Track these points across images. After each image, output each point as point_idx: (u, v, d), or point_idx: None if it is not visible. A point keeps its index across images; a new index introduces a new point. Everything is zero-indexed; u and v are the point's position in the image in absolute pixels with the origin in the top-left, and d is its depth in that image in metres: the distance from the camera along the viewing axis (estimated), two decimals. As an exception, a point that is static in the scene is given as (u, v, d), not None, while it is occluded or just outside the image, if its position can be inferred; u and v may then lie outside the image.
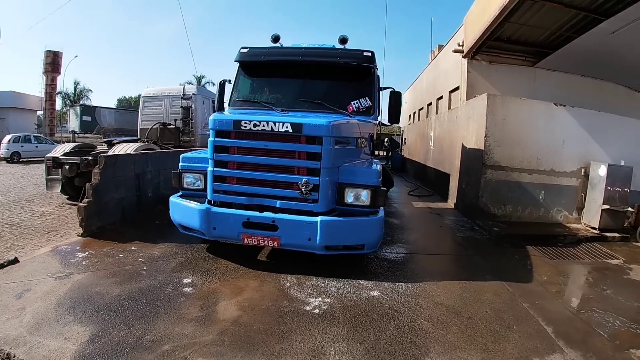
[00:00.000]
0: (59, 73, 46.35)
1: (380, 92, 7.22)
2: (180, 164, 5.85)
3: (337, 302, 4.49)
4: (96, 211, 6.84)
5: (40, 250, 6.05)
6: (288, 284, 4.90)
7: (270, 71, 6.94)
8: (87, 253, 5.80)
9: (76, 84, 47.70)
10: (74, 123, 41.81)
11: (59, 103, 46.60)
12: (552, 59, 11.79)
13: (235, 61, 6.92)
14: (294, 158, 5.01)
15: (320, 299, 4.53)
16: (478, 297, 4.93)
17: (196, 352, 3.41)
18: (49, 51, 45.90)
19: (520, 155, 8.74)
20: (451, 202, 11.41)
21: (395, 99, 6.90)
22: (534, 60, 12.54)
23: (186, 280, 4.91)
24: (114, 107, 37.21)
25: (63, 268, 5.26)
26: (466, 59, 12.45)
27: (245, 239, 5.04)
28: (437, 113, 15.80)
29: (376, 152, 27.26)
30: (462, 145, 10.41)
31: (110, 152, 9.28)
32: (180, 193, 5.85)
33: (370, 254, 6.10)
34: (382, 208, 5.36)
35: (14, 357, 3.26)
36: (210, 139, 5.21)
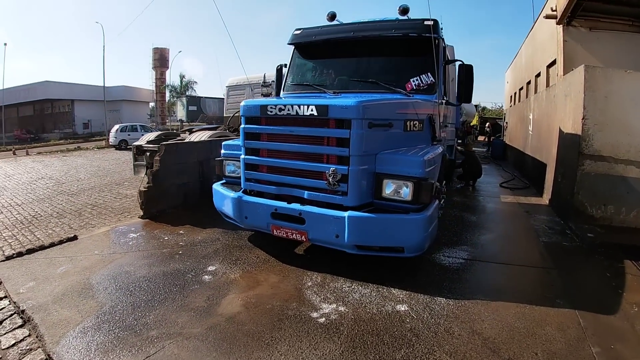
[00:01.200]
0: (167, 67, 50.98)
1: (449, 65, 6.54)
2: (222, 151, 5.86)
3: (352, 312, 4.01)
4: (156, 195, 7.31)
5: (101, 229, 6.75)
6: (310, 284, 4.63)
7: (324, 52, 6.62)
8: (137, 234, 6.32)
9: (182, 77, 51.37)
10: (181, 112, 45.66)
11: (167, 95, 51.14)
12: None
13: (288, 44, 6.76)
14: (322, 144, 4.57)
15: (334, 305, 4.13)
16: (534, 329, 3.90)
17: (175, 343, 3.45)
18: (157, 48, 50.54)
19: (627, 143, 7.08)
20: (546, 198, 9.82)
21: (466, 73, 6.02)
22: None
23: (210, 268, 5.00)
24: (218, 97, 39.76)
25: (111, 247, 5.86)
26: (561, 25, 10.52)
27: (275, 231, 4.86)
28: (535, 92, 13.72)
29: (479, 138, 25.37)
30: (559, 129, 8.82)
31: (187, 139, 9.83)
32: (223, 180, 5.89)
33: (422, 256, 5.33)
34: (435, 204, 4.73)
35: (32, 320, 3.85)
36: (242, 125, 5.08)
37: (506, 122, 22.71)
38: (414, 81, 5.68)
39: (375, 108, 4.66)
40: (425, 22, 5.79)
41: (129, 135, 27.45)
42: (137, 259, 5.32)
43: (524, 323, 4.00)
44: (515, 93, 20.29)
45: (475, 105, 37.18)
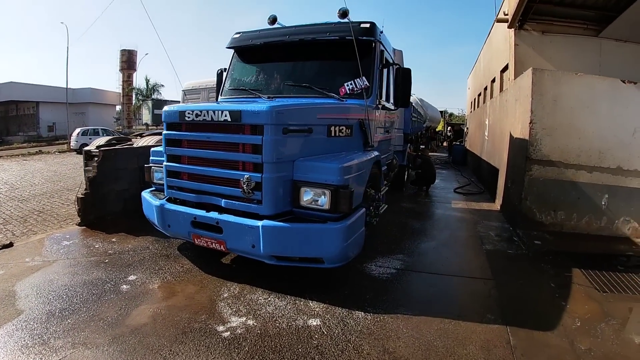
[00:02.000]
0: (135, 70, 49.78)
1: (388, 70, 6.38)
2: (150, 157, 5.69)
3: (260, 327, 3.78)
4: (94, 202, 7.13)
5: (37, 236, 6.62)
6: (226, 295, 4.42)
7: (262, 56, 6.51)
8: (70, 242, 6.16)
9: (147, 80, 50.33)
10: (146, 116, 44.64)
11: (134, 98, 50.23)
12: (620, 25, 9.34)
13: (227, 48, 6.64)
14: (236, 151, 4.40)
15: (243, 319, 3.90)
16: (455, 348, 3.49)
17: (77, 353, 3.35)
18: (124, 50, 49.35)
19: (576, 148, 6.81)
20: (498, 204, 9.54)
21: (403, 77, 5.96)
22: (598, 28, 10.11)
23: (131, 278, 4.85)
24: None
25: (42, 254, 5.69)
26: (512, 29, 10.28)
27: (196, 240, 4.68)
28: (491, 98, 13.53)
29: (444, 143, 25.31)
30: (510, 134, 8.54)
31: (135, 144, 9.56)
32: (152, 188, 5.72)
33: (351, 266, 5.11)
34: (360, 212, 4.57)
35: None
36: (163, 132, 4.97)
37: (467, 128, 22.69)
38: (347, 85, 5.49)
39: (290, 113, 4.49)
40: (362, 25, 5.70)
41: (90, 139, 26.36)
42: (63, 267, 5.20)
43: (445, 341, 3.59)
44: (475, 99, 20.22)
45: (441, 112, 37.44)
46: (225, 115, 4.25)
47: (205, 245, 4.61)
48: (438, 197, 10.72)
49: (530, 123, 6.83)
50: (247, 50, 6.53)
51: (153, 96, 49.03)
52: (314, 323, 3.84)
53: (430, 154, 25.44)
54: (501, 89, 11.50)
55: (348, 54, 5.54)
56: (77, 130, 28.94)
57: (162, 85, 52.87)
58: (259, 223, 4.15)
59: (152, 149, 5.76)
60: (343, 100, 5.35)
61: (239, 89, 6.21)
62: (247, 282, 4.69)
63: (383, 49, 6.17)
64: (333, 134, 4.97)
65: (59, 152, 28.48)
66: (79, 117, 45.78)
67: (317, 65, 6.12)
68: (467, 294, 4.75)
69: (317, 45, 5.92)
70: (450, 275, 5.29)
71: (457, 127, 31.18)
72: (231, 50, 6.77)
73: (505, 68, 11.17)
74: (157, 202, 5.03)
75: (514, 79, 9.29)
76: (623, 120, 6.67)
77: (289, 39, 6.01)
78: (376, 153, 5.71)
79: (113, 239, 6.24)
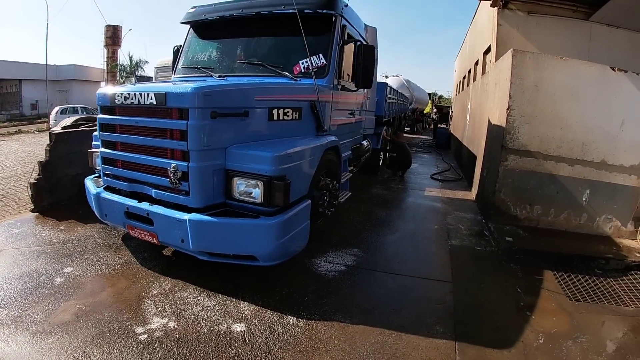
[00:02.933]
0: (119, 46, 48.57)
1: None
2: (92, 142, 5.29)
3: (181, 330, 3.44)
4: (47, 188, 6.81)
5: None
6: (156, 292, 4.06)
7: (217, 31, 6.05)
8: (20, 230, 5.77)
9: (130, 56, 49.11)
10: None
11: (118, 75, 49.39)
12: (612, 8, 8.66)
13: (181, 23, 6.17)
14: (164, 137, 3.93)
15: (165, 320, 3.56)
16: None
17: None
18: (109, 25, 47.95)
19: (558, 139, 6.26)
20: (474, 193, 9.00)
21: (365, 55, 5.45)
22: (588, 11, 9.39)
23: (67, 270, 4.51)
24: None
25: None
26: (496, 7, 9.54)
27: (131, 231, 4.38)
28: (474, 81, 12.86)
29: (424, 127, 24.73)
30: (489, 120, 7.95)
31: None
32: (96, 174, 5.30)
33: (297, 261, 4.78)
34: (301, 206, 4.22)
35: None
36: (98, 116, 4.63)
37: (452, 111, 22.10)
38: (302, 63, 5.05)
39: (220, 95, 4.00)
40: None
41: (69, 117, 25.33)
42: (6, 257, 4.86)
43: (378, 358, 3.09)
44: (460, 82, 19.50)
45: (430, 93, 36.79)
46: (151, 98, 3.84)
47: (139, 237, 4.28)
48: (412, 184, 10.17)
49: (508, 109, 6.25)
50: (202, 25, 6.05)
51: (137, 73, 47.82)
52: (238, 329, 3.46)
53: (415, 136, 25.15)
54: (483, 72, 10.81)
55: (306, 28, 5.10)
56: (56, 108, 28.00)
57: (147, 62, 51.42)
58: (186, 216, 3.78)
59: (95, 133, 5.29)
60: (296, 80, 4.89)
61: (192, 67, 5.76)
62: (181, 278, 4.33)
63: (346, 23, 5.62)
64: (276, 118, 4.51)
65: (38, 131, 27.19)
66: (62, 94, 44.40)
67: (274, 41, 5.69)
68: (418, 300, 4.20)
69: (274, 19, 5.42)
70: (404, 275, 4.74)
71: (445, 110, 30.54)
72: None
73: (488, 50, 10.42)
74: (94, 191, 4.68)
75: (495, 61, 8.61)
76: (610, 111, 6.09)
77: (244, 12, 5.52)
78: (332, 138, 5.25)
79: (62, 227, 5.88)
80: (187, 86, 3.80)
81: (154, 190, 4.12)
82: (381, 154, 10.98)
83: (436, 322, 3.71)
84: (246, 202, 3.88)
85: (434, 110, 30.37)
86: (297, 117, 4.78)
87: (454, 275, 4.79)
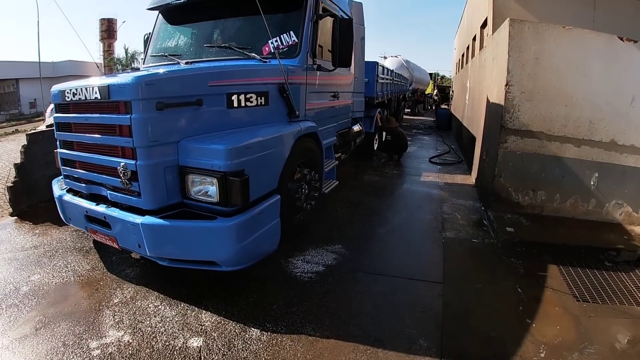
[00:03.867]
0: (115, 39, 48.00)
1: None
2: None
3: (136, 345, 3.10)
4: (24, 190, 6.56)
5: None
6: (116, 300, 3.73)
7: (186, 15, 5.61)
8: None
9: (126, 48, 48.81)
10: None
11: (115, 68, 49.24)
12: None
13: (147, 9, 5.77)
14: (113, 134, 3.54)
15: (121, 333, 3.24)
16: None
17: None
18: (104, 19, 47.25)
19: (563, 116, 5.66)
20: (473, 177, 8.42)
21: (342, 30, 4.86)
22: None
23: (34, 277, 4.20)
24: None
25: None
26: None
27: (93, 235, 4.06)
28: (472, 58, 12.14)
29: (426, 108, 24.02)
30: (487, 98, 7.33)
31: None
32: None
33: (273, 260, 4.38)
34: (264, 205, 3.79)
35: None
36: (54, 114, 4.31)
37: (452, 91, 21.38)
38: (273, 43, 4.61)
39: (165, 84, 3.56)
40: None
41: None
42: None
43: None
44: (459, 60, 18.67)
45: (431, 74, 35.95)
46: (96, 92, 3.48)
47: (102, 241, 3.96)
48: (409, 168, 9.60)
49: (506, 85, 5.64)
50: (170, 10, 5.63)
51: (133, 65, 47.50)
52: (195, 344, 3.09)
53: (416, 118, 24.45)
54: (481, 47, 10.07)
55: (277, 3, 4.81)
56: (51, 106, 27.34)
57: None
58: (139, 220, 3.42)
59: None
60: (265, 62, 4.42)
61: (160, 56, 5.34)
62: (146, 284, 3.98)
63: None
64: (237, 105, 4.02)
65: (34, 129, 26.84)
66: (60, 91, 44.19)
67: (244, 22, 5.21)
68: (402, 306, 3.66)
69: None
70: (389, 276, 4.21)
71: (448, 90, 29.76)
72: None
73: (485, 23, 9.63)
74: (57, 194, 4.40)
75: (492, 34, 7.93)
76: (619, 85, 5.47)
77: None
78: (309, 124, 4.83)
79: (37, 230, 5.59)
80: (128, 77, 3.39)
81: (109, 192, 3.76)
82: (376, 137, 10.40)
83: (420, 334, 3.21)
84: (203, 202, 3.48)
85: (435, 91, 29.53)
86: (263, 103, 4.28)
87: (445, 274, 4.27)
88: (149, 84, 3.34)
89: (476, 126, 8.75)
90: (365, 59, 8.49)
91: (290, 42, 4.71)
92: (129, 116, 3.28)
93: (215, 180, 3.31)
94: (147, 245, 3.43)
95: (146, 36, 6.01)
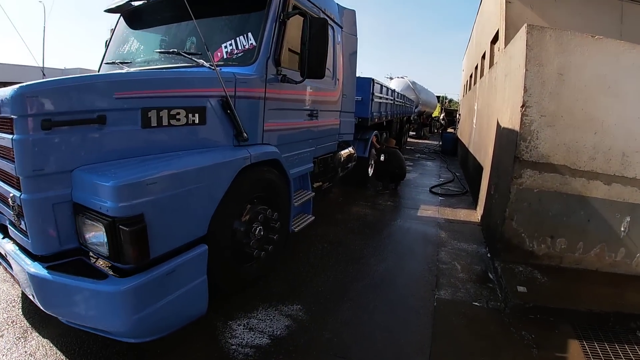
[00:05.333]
0: None
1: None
2: None
3: None
4: None
5: None
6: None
7: (148, 17, 4.79)
8: None
9: None
10: None
11: None
12: None
13: (105, 11, 4.94)
14: (5, 157, 2.67)
15: None
16: None
17: None
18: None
19: (591, 147, 4.53)
20: (479, 213, 7.23)
21: (312, 31, 3.88)
22: None
23: None
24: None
25: None
26: None
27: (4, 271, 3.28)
28: (480, 77, 11.00)
29: (431, 131, 22.93)
30: (497, 122, 6.20)
31: None
32: None
33: (208, 322, 3.39)
34: (190, 255, 2.90)
35: None
36: None
37: (459, 114, 20.29)
38: (227, 46, 3.86)
39: (55, 95, 2.59)
40: None
41: None
42: None
43: None
44: (467, 81, 17.55)
45: (438, 97, 35.02)
46: None
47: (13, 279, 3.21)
48: (406, 199, 8.43)
49: (522, 106, 4.52)
50: (130, 12, 4.85)
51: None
52: None
53: (421, 141, 23.32)
54: (491, 65, 8.92)
55: (241, 5, 4.08)
56: None
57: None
58: (27, 266, 2.63)
59: None
60: (214, 69, 3.32)
61: (111, 63, 4.58)
62: (51, 337, 3.10)
63: None
64: (157, 123, 2.96)
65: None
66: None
67: (202, 24, 4.10)
68: None
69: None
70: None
71: (455, 114, 28.78)
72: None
73: (496, 38, 8.47)
74: None
75: (505, 47, 6.80)
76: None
77: None
78: (265, 149, 3.87)
79: None
80: (14, 87, 2.56)
81: (9, 225, 3.00)
82: (371, 162, 9.27)
83: None
84: (98, 252, 2.60)
85: (442, 114, 28.52)
86: (196, 121, 3.22)
87: (432, 355, 3.06)
88: (30, 97, 2.48)
89: (484, 154, 7.60)
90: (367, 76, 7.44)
91: (246, 46, 3.77)
92: (11, 137, 2.47)
93: (103, 227, 2.42)
94: (37, 297, 2.66)
95: (107, 41, 5.13)
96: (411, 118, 20.43)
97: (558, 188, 4.65)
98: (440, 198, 8.64)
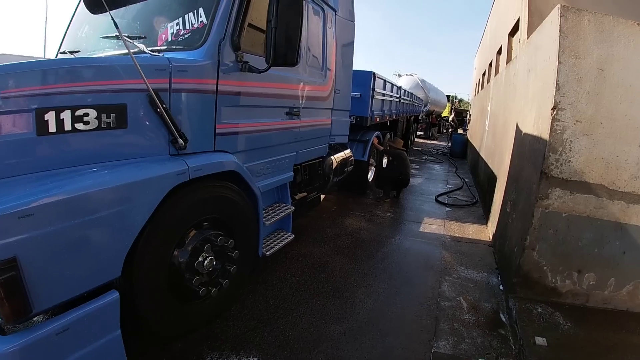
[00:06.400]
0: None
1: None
2: None
3: None
4: None
5: None
6: None
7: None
8: None
9: None
10: None
11: None
12: None
13: None
14: None
15: None
16: None
17: None
18: None
19: (634, 163, 3.66)
20: (490, 230, 6.29)
21: (282, 8, 2.95)
22: None
23: None
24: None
25: None
26: None
27: None
28: (495, 75, 9.94)
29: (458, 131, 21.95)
30: (517, 126, 5.25)
31: None
32: None
33: None
34: (99, 305, 2.17)
35: None
36: None
37: (469, 115, 19.26)
38: (172, 28, 3.07)
39: None
40: None
41: None
42: None
43: None
44: (479, 80, 16.41)
45: (448, 96, 33.94)
46: None
47: None
48: (408, 209, 7.50)
49: (553, 109, 3.59)
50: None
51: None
52: None
53: (429, 142, 22.29)
54: (508, 60, 7.82)
55: None
56: None
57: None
58: None
59: None
60: (156, 54, 2.78)
61: (63, 53, 3.88)
62: None
63: None
64: (57, 128, 2.14)
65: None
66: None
67: (152, 4, 3.42)
68: None
69: None
70: None
71: (465, 114, 27.77)
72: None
73: (516, 29, 7.31)
74: None
75: (527, 38, 5.72)
76: None
77: None
78: (214, 159, 3.02)
79: None
80: None
81: None
82: (371, 167, 8.34)
83: None
84: None
85: (452, 114, 27.49)
86: (112, 124, 2.38)
87: None
88: None
89: (498, 161, 6.65)
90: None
91: (196, 25, 2.96)
92: None
93: None
94: None
95: (67, 27, 4.32)
96: (419, 117, 19.47)
97: (592, 213, 3.74)
98: (447, 209, 7.69)
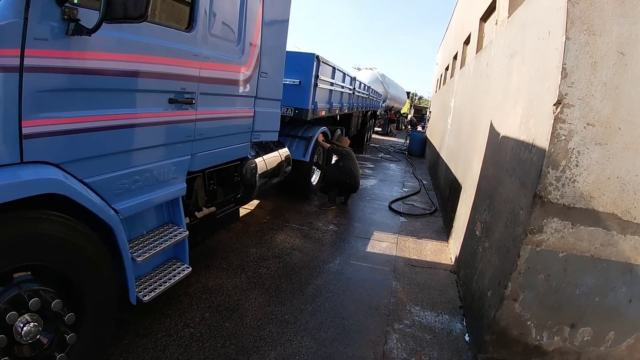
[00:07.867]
0: None
1: None
2: None
3: None
4: None
5: None
6: None
7: None
8: None
9: None
10: None
11: None
12: None
13: None
14: None
15: None
16: None
17: None
18: None
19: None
20: (451, 249, 5.22)
21: None
22: None
23: None
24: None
25: None
26: None
27: None
28: (461, 67, 8.90)
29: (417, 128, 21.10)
30: (491, 125, 4.15)
31: None
32: None
33: None
34: None
35: None
36: None
37: (429, 112, 18.43)
38: None
39: None
40: None
41: None
42: None
43: None
44: (441, 75, 15.45)
45: (408, 92, 33.29)
46: None
47: None
48: (356, 220, 6.35)
49: (556, 104, 2.46)
50: None
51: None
52: None
53: (386, 138, 21.39)
54: (479, 49, 6.71)
55: None
56: None
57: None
58: None
59: None
60: None
61: None
62: None
63: None
64: None
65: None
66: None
67: None
68: None
69: None
70: None
71: (425, 112, 27.23)
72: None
73: (491, 9, 6.16)
74: None
75: (508, 17, 4.55)
76: None
77: None
78: (14, 179, 1.76)
79: None
80: None
81: None
82: (314, 168, 7.12)
83: None
84: None
85: (412, 112, 26.88)
86: None
87: None
88: None
89: (463, 167, 5.58)
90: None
91: None
92: None
93: None
94: None
95: None
96: (377, 113, 18.48)
97: (597, 251, 2.69)
98: (401, 219, 6.60)
